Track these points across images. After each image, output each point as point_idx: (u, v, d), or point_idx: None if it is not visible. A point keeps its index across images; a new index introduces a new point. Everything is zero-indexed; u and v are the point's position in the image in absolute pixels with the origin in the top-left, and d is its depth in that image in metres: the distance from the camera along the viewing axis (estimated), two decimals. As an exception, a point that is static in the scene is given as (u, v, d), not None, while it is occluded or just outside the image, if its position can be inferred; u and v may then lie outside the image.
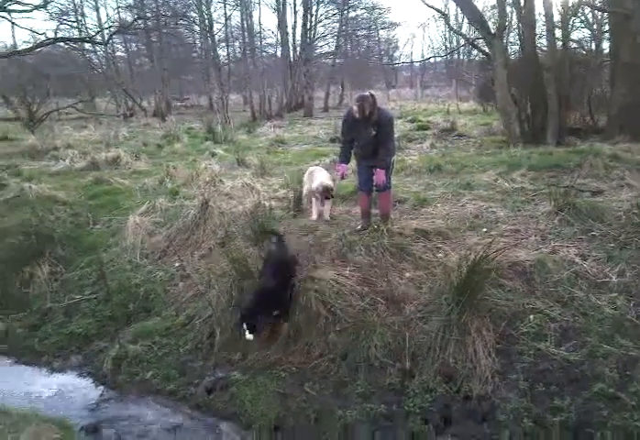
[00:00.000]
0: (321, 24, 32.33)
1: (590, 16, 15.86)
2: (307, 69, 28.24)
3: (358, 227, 6.31)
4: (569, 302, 4.65)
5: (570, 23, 13.61)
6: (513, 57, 14.03)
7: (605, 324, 4.35)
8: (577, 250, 5.39)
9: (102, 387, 4.96)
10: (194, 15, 28.96)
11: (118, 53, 36.56)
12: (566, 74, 11.47)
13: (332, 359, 4.66)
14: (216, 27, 28.53)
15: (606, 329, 4.29)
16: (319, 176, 6.71)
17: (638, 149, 8.99)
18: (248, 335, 4.54)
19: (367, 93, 5.63)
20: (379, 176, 5.89)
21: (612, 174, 7.78)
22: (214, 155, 12.30)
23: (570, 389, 3.92)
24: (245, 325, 4.54)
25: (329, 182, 6.55)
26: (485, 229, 6.15)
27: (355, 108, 5.59)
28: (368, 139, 5.79)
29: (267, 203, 7.52)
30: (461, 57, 38.97)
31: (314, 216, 6.72)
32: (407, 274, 5.41)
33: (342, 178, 6.24)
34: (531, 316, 4.53)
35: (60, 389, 5.00)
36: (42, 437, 3.55)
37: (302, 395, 4.40)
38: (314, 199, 6.75)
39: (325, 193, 6.51)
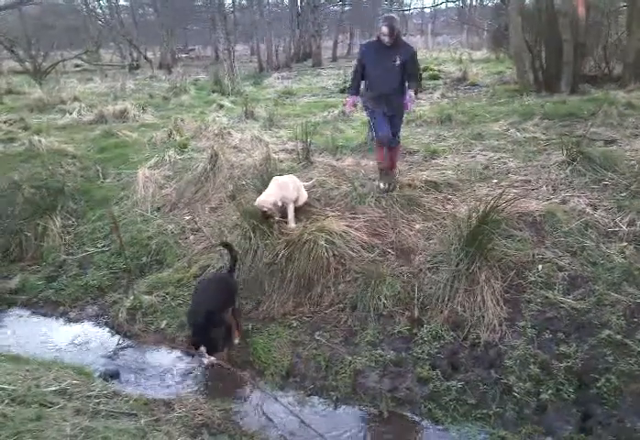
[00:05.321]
0: (329, -32, 31.17)
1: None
2: (315, 17, 27.44)
3: (383, 186, 5.88)
4: (579, 252, 4.65)
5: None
6: (527, 1, 13.49)
7: (614, 272, 4.36)
8: (588, 200, 5.35)
9: (118, 336, 5.12)
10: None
11: (121, 2, 35.71)
12: (581, 20, 11.06)
13: (342, 309, 4.76)
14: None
15: (615, 277, 4.31)
16: (266, 191, 5.46)
17: (654, 97, 8.77)
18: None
19: (392, 14, 5.43)
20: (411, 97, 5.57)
21: (627, 123, 7.62)
22: (221, 107, 12.15)
23: (577, 336, 3.98)
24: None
25: (266, 204, 5.29)
26: (495, 180, 6.11)
27: (385, 29, 5.18)
28: (389, 71, 5.38)
29: (276, 156, 7.49)
30: (474, 2, 37.72)
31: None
32: (417, 226, 5.42)
33: (349, 109, 6.15)
34: (540, 266, 4.55)
35: (77, 338, 5.16)
36: (62, 383, 3.67)
37: (313, 343, 4.52)
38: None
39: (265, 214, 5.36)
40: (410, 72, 5.50)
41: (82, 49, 25.26)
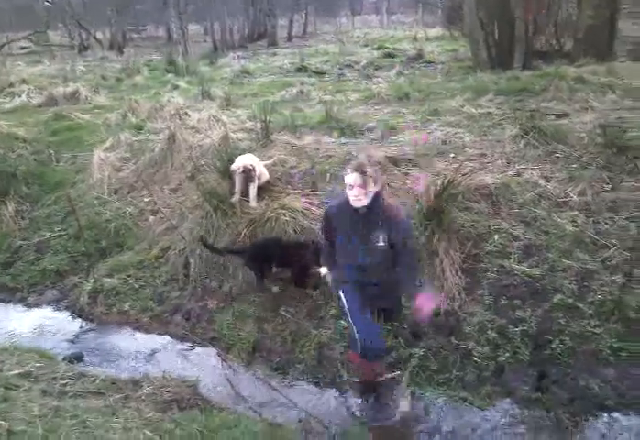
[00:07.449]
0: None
1: None
2: (269, -5, 27.06)
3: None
4: (532, 222, 4.82)
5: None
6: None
7: (566, 240, 4.55)
8: (541, 172, 5.51)
9: (79, 319, 5.07)
10: None
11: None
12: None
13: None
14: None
15: (566, 245, 4.50)
16: (240, 158, 5.60)
17: (603, 71, 9.02)
18: None
19: (362, 159, 3.51)
20: (422, 302, 3.34)
21: (577, 97, 7.82)
22: (176, 87, 11.96)
23: (532, 301, 4.16)
24: None
25: (250, 162, 5.46)
26: (453, 154, 6.21)
27: (350, 178, 3.09)
28: (369, 254, 3.31)
29: (235, 135, 7.42)
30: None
31: (236, 198, 5.51)
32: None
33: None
34: (495, 236, 4.70)
35: (37, 323, 5.07)
36: (26, 366, 3.64)
37: (278, 318, 4.57)
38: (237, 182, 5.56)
39: (246, 174, 5.42)
40: (404, 260, 3.38)
41: (30, 30, 24.33)
